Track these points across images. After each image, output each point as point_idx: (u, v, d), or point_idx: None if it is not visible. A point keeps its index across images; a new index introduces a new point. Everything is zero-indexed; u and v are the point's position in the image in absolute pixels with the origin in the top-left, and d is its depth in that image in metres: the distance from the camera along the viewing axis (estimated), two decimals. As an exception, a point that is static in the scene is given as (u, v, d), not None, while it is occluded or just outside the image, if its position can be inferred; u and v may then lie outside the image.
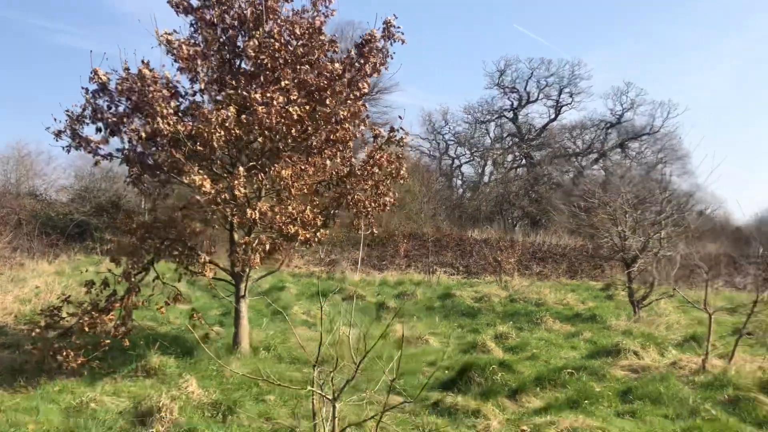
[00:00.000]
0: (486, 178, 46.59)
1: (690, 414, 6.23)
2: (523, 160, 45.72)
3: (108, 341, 7.40)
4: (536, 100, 45.53)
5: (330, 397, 3.92)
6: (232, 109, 7.41)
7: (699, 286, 17.12)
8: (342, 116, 7.93)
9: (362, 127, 8.95)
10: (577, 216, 13.63)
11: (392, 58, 8.76)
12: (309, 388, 3.97)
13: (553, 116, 45.38)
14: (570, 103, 44.60)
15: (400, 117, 16.47)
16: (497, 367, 7.44)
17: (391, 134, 8.67)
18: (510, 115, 46.98)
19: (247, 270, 8.44)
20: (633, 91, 42.98)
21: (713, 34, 67.37)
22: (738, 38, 65.72)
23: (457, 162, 48.27)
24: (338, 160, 8.95)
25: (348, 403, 5.39)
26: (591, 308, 13.68)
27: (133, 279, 7.81)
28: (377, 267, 23.58)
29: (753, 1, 63.54)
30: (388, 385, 4.03)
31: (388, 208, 9.30)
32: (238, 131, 7.48)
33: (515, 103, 46.11)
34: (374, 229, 9.41)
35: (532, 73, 44.44)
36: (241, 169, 7.35)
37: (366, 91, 8.72)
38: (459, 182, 48.80)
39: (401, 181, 9.05)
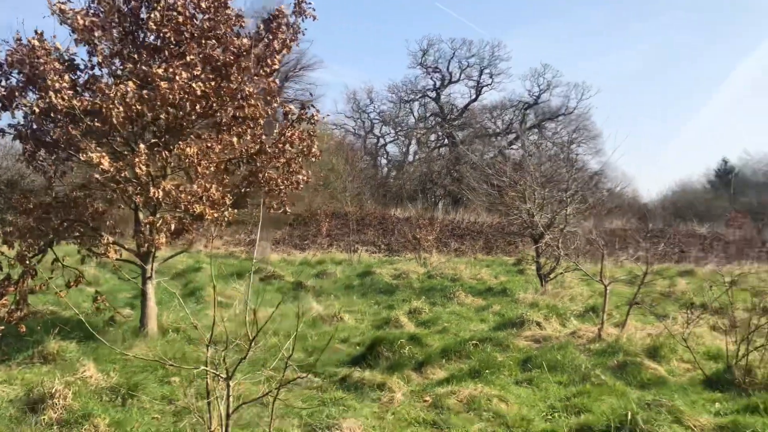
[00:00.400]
0: (410, 158, 47.09)
1: (582, 379, 6.63)
2: (446, 140, 46.48)
3: (2, 327, 7.03)
4: (458, 80, 46.24)
5: (224, 375, 3.91)
6: (131, 83, 7.12)
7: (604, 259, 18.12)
8: (248, 92, 7.78)
9: (274, 105, 8.84)
10: (490, 194, 14.06)
11: (303, 35, 8.66)
12: (202, 367, 3.93)
13: (474, 97, 46.27)
14: (490, 84, 45.59)
15: (311, 94, 16.29)
16: (406, 341, 7.62)
17: (303, 112, 8.61)
18: (433, 94, 47.51)
19: (153, 251, 8.19)
20: (549, 72, 44.41)
21: (625, 17, 70.44)
22: (647, 22, 69.06)
23: (382, 141, 48.44)
24: (248, 137, 8.80)
25: (246, 382, 5.39)
26: (502, 282, 14.20)
27: (28, 262, 7.43)
28: (299, 246, 23.48)
29: (661, -12, 66.84)
30: (284, 362, 4.05)
31: (301, 186, 9.25)
32: (139, 107, 7.20)
33: (438, 83, 46.66)
34: (287, 208, 9.34)
35: (454, 54, 45.09)
36: (142, 146, 7.09)
37: (276, 67, 8.59)
38: (384, 161, 49.07)
39: (314, 159, 9.01)
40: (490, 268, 17.81)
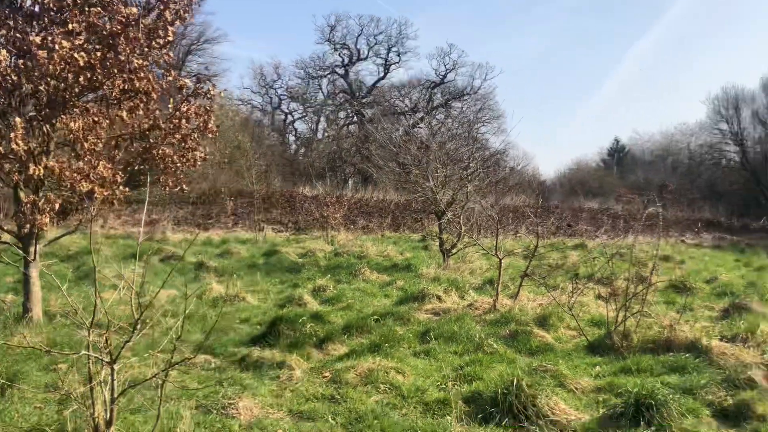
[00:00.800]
0: (319, 135, 46.70)
1: (476, 349, 6.92)
2: (355, 117, 46.44)
3: None
4: (366, 57, 46.21)
5: (107, 359, 3.76)
6: (4, 52, 6.58)
7: (504, 234, 18.88)
8: (137, 65, 7.39)
9: (169, 78, 8.46)
10: (395, 173, 14.25)
11: (199, 5, 8.34)
12: (83, 352, 3.77)
13: (382, 74, 46.44)
14: (398, 62, 45.92)
15: (207, 68, 15.76)
16: (308, 319, 7.64)
17: (198, 86, 8.31)
18: (341, 71, 47.23)
19: (36, 232, 7.68)
20: (455, 52, 45.26)
21: (525, 2, 72.87)
22: (550, 6, 71.80)
23: (290, 118, 47.69)
24: (141, 112, 8.38)
25: (140, 366, 5.23)
26: (407, 259, 14.49)
27: None
28: (203, 226, 22.79)
29: (560, -26, 69.52)
30: (172, 344, 3.95)
31: (199, 163, 8.97)
32: (15, 78, 6.68)
33: (346, 60, 46.41)
34: (184, 186, 9.03)
35: (362, 30, 44.96)
36: (18, 120, 6.59)
37: (170, 39, 8.21)
38: (292, 138, 48.39)
39: (211, 135, 8.73)
40: (396, 245, 18.11)
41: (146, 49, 7.59)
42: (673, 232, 26.41)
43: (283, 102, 47.11)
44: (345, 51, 45.92)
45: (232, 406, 4.96)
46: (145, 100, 8.16)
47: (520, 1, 74.88)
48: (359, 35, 45.06)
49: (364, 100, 46.56)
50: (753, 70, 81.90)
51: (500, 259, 9.40)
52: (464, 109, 46.00)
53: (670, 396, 4.90)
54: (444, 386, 5.71)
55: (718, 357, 6.37)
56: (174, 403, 5.02)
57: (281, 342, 7.03)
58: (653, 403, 4.73)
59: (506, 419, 4.80)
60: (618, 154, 52.24)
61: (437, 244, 15.16)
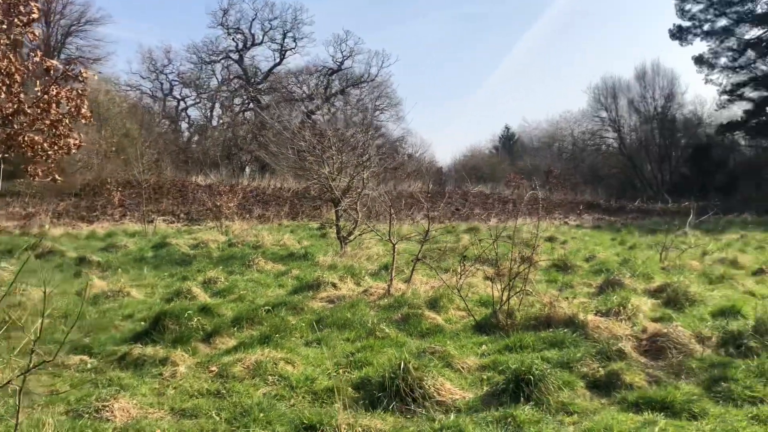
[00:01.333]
0: (214, 122, 45.19)
1: (368, 334, 6.94)
2: (251, 104, 45.31)
3: None
4: (261, 42, 45.20)
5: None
6: None
7: (401, 219, 19.15)
8: (-7, 43, 6.75)
9: (35, 59, 7.80)
10: (289, 159, 14.02)
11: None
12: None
13: (278, 60, 45.60)
14: (294, 48, 45.30)
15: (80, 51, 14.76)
16: (196, 313, 7.34)
17: (68, 68, 7.72)
18: (236, 56, 45.90)
19: None
20: (352, 39, 45.23)
21: (422, -9, 73.91)
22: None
23: (183, 104, 45.76)
24: (2, 95, 7.68)
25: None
26: (305, 247, 14.34)
27: None
28: (86, 219, 21.44)
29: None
30: (31, 347, 3.63)
31: (73, 150, 8.39)
32: None
33: (241, 45, 45.18)
34: (57, 176, 8.40)
35: (256, 15, 43.88)
36: None
37: (35, 16, 7.58)
38: (185, 125, 46.51)
39: (84, 121, 8.16)
40: (294, 234, 17.90)
41: (4, 26, 6.94)
42: (557, 213, 27.96)
43: (174, 88, 45.19)
44: (239, 36, 44.71)
45: (107, 409, 4.66)
46: (8, 82, 7.50)
47: (416, -11, 75.92)
48: (253, 20, 44.02)
49: (260, 86, 45.58)
50: (630, 60, 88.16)
51: (394, 245, 9.50)
52: (362, 96, 46.20)
53: (548, 371, 5.14)
54: (335, 374, 5.68)
55: (593, 331, 6.77)
56: (41, 410, 4.66)
57: (166, 338, 6.72)
58: (532, 378, 4.94)
59: (393, 403, 4.84)
60: (508, 141, 54.55)
61: (335, 231, 15.12)
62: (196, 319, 7.13)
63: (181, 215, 22.65)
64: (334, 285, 9.52)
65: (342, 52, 44.98)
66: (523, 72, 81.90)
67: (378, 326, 7.07)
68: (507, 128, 55.75)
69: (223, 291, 9.71)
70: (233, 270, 11.54)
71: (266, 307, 7.94)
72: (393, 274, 9.27)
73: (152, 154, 31.97)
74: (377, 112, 45.51)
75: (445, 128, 78.21)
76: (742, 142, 45.09)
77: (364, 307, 8.12)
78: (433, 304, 8.24)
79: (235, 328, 7.26)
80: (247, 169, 40.82)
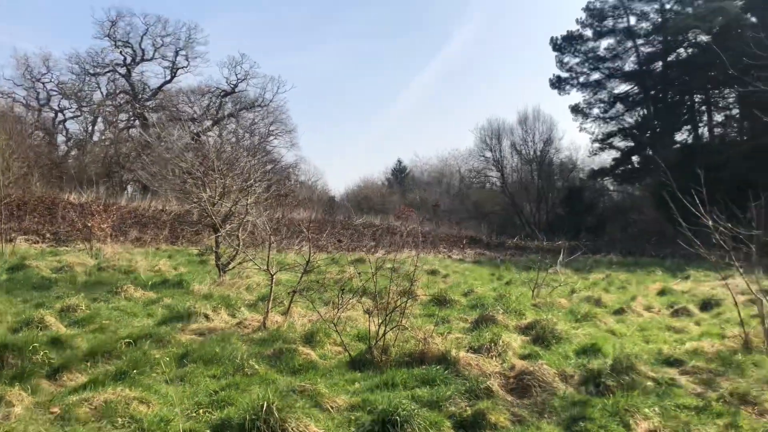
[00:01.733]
0: (95, 137, 42.54)
1: (236, 371, 6.60)
2: (137, 121, 43.17)
3: None
4: (152, 58, 43.36)
5: None
6: None
7: (287, 248, 18.79)
8: None
9: None
10: (167, 180, 13.34)
11: None
12: None
13: (169, 78, 43.92)
14: (186, 67, 43.84)
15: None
16: (43, 345, 6.67)
17: None
18: (123, 70, 43.68)
19: None
20: (247, 62, 44.63)
21: (319, 21, 74.75)
22: (338, 26, 74.45)
23: (61, 116, 42.68)
24: None
25: None
26: (181, 274, 13.63)
27: None
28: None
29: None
30: None
31: None
32: None
33: (129, 59, 43.05)
34: None
35: (147, 30, 42.13)
36: None
37: None
38: (62, 139, 43.38)
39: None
40: (172, 259, 17.01)
41: None
42: (443, 247, 28.72)
43: (53, 98, 42.02)
44: (128, 49, 42.59)
45: None
46: None
47: (315, 19, 76.73)
48: (144, 34, 42.19)
49: (148, 103, 43.57)
50: (514, 104, 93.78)
51: (272, 275, 9.21)
52: (256, 120, 45.46)
53: (416, 411, 5.09)
54: (194, 414, 5.30)
55: (465, 368, 6.84)
56: None
57: (4, 374, 6.00)
58: (398, 419, 4.86)
59: (254, 447, 4.58)
60: (400, 174, 55.77)
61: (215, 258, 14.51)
62: (42, 353, 6.45)
63: (48, 235, 20.84)
64: (206, 316, 9.05)
65: (237, 75, 44.15)
66: (417, 108, 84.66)
67: (248, 362, 6.75)
68: (399, 161, 57.06)
69: (83, 320, 8.92)
70: (98, 297, 10.67)
71: (128, 340, 7.38)
72: (270, 307, 8.96)
73: (20, 167, 29.39)
74: (271, 137, 44.93)
75: (340, 158, 78.84)
76: (611, 187, 49.03)
77: (236, 341, 7.75)
78: (310, 338, 8.02)
79: (89, 363, 6.65)
80: (129, 189, 38.71)
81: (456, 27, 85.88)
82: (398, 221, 29.85)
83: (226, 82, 44.24)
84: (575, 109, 46.24)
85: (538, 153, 46.86)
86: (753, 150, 27.83)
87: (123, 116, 43.74)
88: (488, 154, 48.22)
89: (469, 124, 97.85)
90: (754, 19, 34.21)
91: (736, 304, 9.01)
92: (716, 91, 40.77)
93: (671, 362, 7.67)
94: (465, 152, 51.22)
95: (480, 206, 46.14)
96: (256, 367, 6.68)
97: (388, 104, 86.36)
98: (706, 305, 12.43)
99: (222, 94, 44.16)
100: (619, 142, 45.97)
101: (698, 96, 42.75)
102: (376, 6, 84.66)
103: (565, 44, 45.88)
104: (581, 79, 46.06)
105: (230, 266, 12.92)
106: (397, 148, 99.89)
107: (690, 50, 41.40)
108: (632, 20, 44.27)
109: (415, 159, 59.14)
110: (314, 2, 76.95)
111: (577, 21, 45.56)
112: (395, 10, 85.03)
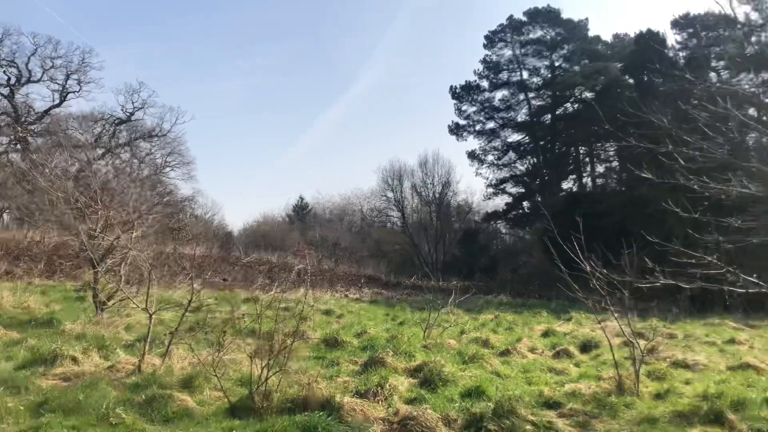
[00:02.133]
0: (-32, 160, 39.11)
1: (99, 421, 6.07)
2: (18, 145, 40.25)
3: None
4: (39, 80, 40.88)
5: None
6: None
7: (176, 285, 17.88)
8: None
9: None
10: (42, 210, 12.37)
11: None
12: None
13: (58, 101, 41.51)
14: (78, 91, 41.72)
15: None
16: None
17: None
18: (6, 91, 40.80)
19: None
20: (145, 91, 43.10)
21: (227, 53, 73.92)
22: (246, 60, 73.97)
23: (-75, 135, 38.97)
24: None
25: None
26: (53, 311, 12.59)
27: None
28: None
29: (258, 29, 72.98)
30: None
31: None
32: None
33: (13, 79, 40.34)
34: None
35: (36, 50, 39.79)
36: None
37: None
38: (-73, 161, 39.52)
39: None
40: (45, 295, 15.69)
41: None
42: (340, 286, 28.53)
43: None
44: (12, 69, 39.91)
45: None
46: None
47: (223, 51, 75.82)
48: (32, 55, 39.81)
49: (32, 127, 40.80)
50: (416, 147, 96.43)
51: (150, 315, 8.67)
52: (152, 150, 43.73)
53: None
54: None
55: (348, 413, 6.69)
56: None
57: None
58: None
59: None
60: (302, 211, 55.29)
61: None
62: None
63: None
64: (74, 359, 8.35)
65: (133, 103, 42.49)
66: (321, 146, 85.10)
67: (114, 410, 6.23)
68: (301, 198, 56.62)
69: (-75, 365, 7.95)
70: (-52, 338, 9.60)
71: (-24, 388, 6.62)
72: (147, 348, 8.40)
73: None
74: (167, 169, 43.31)
75: (241, 193, 77.16)
76: (503, 230, 51.14)
77: (105, 387, 7.18)
78: (188, 383, 7.59)
79: (-75, 415, 5.88)
80: (5, 218, 35.75)
81: (363, 69, 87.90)
82: (296, 258, 29.41)
83: (122, 109, 42.47)
84: (472, 155, 48.19)
85: (437, 195, 48.20)
86: (629, 200, 30.00)
87: (4, 139, 40.68)
88: (390, 195, 49.05)
89: (372, 164, 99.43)
90: (631, 81, 37.41)
91: (611, 346, 9.47)
92: (599, 144, 44.02)
93: (551, 404, 7.89)
94: (367, 191, 51.80)
95: (381, 245, 46.52)
96: (123, 416, 6.18)
97: (293, 141, 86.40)
98: (586, 347, 13.01)
99: (116, 121, 42.25)
100: (512, 188, 48.27)
101: (583, 147, 45.94)
102: (290, 41, 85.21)
103: (463, 93, 48.00)
104: (477, 127, 48.25)
105: (110, 303, 12.08)
106: (300, 185, 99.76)
107: (576, 105, 44.57)
108: (525, 74, 47.27)
109: (318, 196, 58.94)
110: (225, 34, 76.14)
111: (474, 72, 48.01)
112: (307, 47, 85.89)
